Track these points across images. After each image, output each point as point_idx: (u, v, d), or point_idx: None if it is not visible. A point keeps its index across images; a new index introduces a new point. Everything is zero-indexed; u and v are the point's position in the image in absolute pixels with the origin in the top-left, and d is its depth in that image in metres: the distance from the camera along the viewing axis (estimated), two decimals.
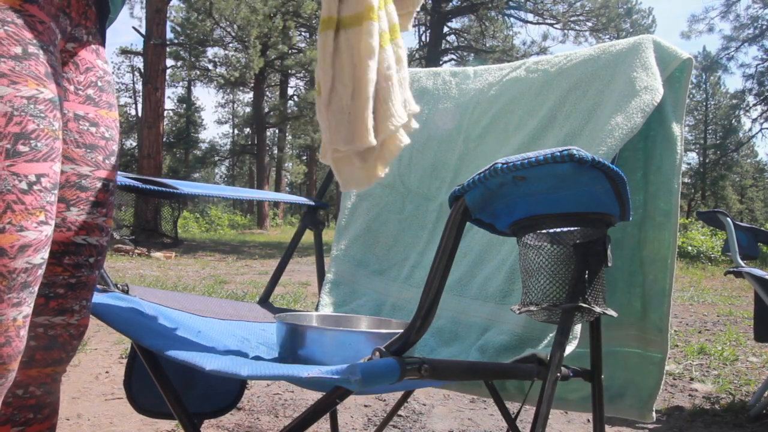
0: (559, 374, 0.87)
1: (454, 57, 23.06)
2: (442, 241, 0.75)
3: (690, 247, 11.05)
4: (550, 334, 1.06)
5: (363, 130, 0.85)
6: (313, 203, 1.59)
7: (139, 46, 19.25)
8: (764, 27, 22.48)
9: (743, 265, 2.46)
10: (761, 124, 26.23)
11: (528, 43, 22.93)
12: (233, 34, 18.66)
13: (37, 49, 0.72)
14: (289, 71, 22.59)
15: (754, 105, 25.94)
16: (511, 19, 22.15)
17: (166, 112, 21.01)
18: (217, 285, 5.87)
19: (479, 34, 22.40)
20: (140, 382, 1.29)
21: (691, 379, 2.84)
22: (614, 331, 1.22)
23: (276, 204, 25.01)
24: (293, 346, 0.96)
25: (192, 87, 31.14)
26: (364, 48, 0.84)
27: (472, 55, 22.25)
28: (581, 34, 21.07)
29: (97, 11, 0.90)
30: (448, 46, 22.63)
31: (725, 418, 2.27)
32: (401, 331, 0.75)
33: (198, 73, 22.58)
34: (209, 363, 0.75)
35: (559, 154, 0.71)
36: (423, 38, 23.46)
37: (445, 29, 22.00)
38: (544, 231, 0.91)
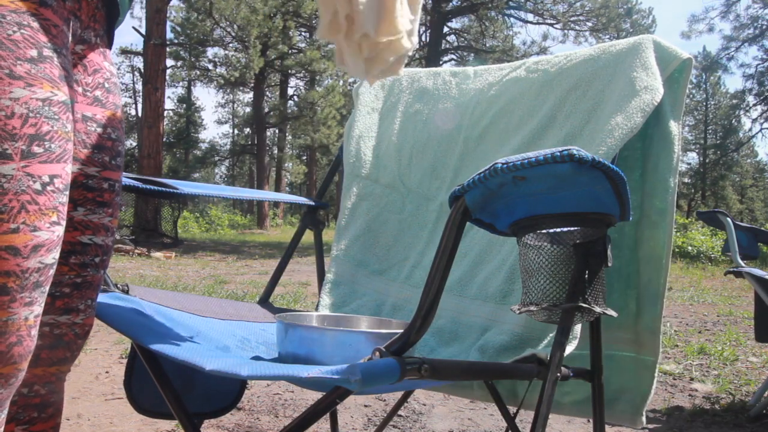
0: (559, 374, 0.87)
1: (454, 57, 23.07)
2: (442, 241, 0.75)
3: (690, 247, 11.05)
4: (550, 334, 1.06)
5: (393, 20, 0.85)
6: (313, 203, 1.59)
7: (139, 46, 19.26)
8: (764, 27, 22.48)
9: (743, 265, 2.46)
10: (761, 124, 26.23)
11: (528, 43, 22.95)
12: (233, 34, 18.67)
13: (51, 52, 0.73)
14: (289, 71, 22.58)
15: (754, 105, 25.94)
16: (511, 19, 22.16)
17: (166, 112, 21.01)
18: (217, 285, 5.87)
19: (479, 34, 22.40)
20: (140, 382, 1.29)
21: (691, 379, 2.84)
22: (610, 334, 1.22)
23: (276, 204, 25.01)
24: (293, 346, 0.96)
25: (192, 87, 31.16)
26: None
27: (472, 55, 22.26)
28: (581, 34, 21.08)
29: (105, 14, 0.91)
30: (448, 46, 22.64)
31: (725, 418, 2.27)
32: (401, 331, 0.75)
33: (198, 73, 22.58)
34: (209, 363, 0.75)
35: (559, 154, 0.71)
36: (423, 38, 23.46)
37: (445, 29, 22.01)
38: (544, 231, 0.91)
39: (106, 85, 0.91)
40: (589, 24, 20.63)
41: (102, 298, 1.09)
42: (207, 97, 67.88)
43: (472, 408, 2.30)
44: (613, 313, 0.90)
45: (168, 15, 14.20)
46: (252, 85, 22.60)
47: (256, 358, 1.02)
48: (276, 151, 28.28)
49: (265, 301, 1.51)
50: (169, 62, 19.72)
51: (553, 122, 1.30)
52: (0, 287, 0.67)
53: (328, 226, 17.20)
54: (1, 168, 0.66)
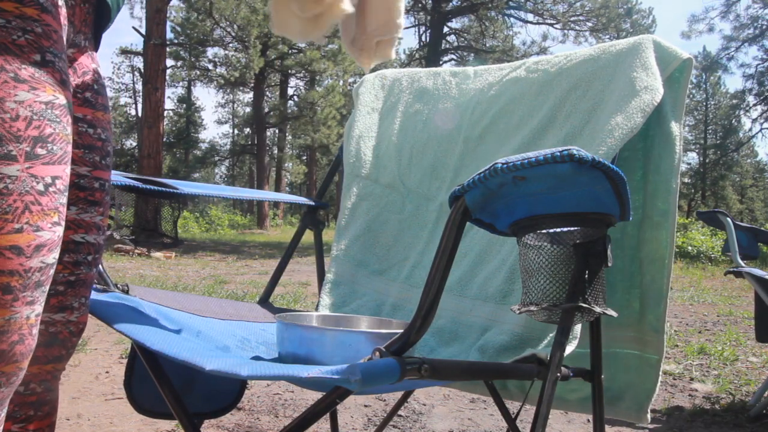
0: (559, 374, 0.87)
1: (454, 57, 23.06)
2: (442, 241, 0.75)
3: (690, 247, 11.05)
4: (550, 334, 1.06)
5: None
6: (313, 203, 1.59)
7: (139, 46, 19.24)
8: (764, 27, 22.47)
9: (743, 265, 2.46)
10: (761, 124, 26.23)
11: (528, 43, 22.96)
12: (233, 34, 18.67)
13: (53, 56, 0.74)
14: (289, 71, 22.58)
15: (754, 105, 25.94)
16: (511, 19, 22.17)
17: (166, 112, 21.02)
18: (217, 285, 5.87)
19: (479, 34, 22.40)
20: (140, 382, 1.29)
21: (691, 379, 2.84)
22: (613, 332, 1.22)
23: (276, 204, 25.01)
24: (293, 346, 0.96)
25: (192, 87, 31.16)
26: None
27: (472, 55, 22.26)
28: (581, 34, 21.08)
29: (94, 18, 0.93)
30: (448, 46, 22.63)
31: (725, 418, 2.27)
32: (401, 331, 0.75)
33: (198, 73, 22.59)
34: (209, 363, 0.75)
35: (559, 154, 0.71)
36: (423, 38, 23.47)
37: (445, 29, 22.00)
38: (544, 231, 0.91)
39: (95, 87, 0.93)
40: (589, 24, 20.63)
41: (102, 298, 1.10)
42: (207, 97, 68.01)
43: (472, 408, 2.30)
44: (613, 313, 0.90)
45: (168, 15, 14.20)
46: (252, 85, 22.60)
47: (256, 358, 1.02)
48: (276, 151, 28.28)
49: (265, 301, 1.51)
50: (169, 62, 19.74)
51: (553, 122, 1.30)
52: (3, 286, 0.68)
53: (328, 226, 17.20)
54: (6, 169, 0.67)
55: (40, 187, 0.70)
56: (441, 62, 21.39)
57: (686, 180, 32.36)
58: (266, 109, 23.86)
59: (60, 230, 0.74)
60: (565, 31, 21.22)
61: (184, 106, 31.44)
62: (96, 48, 0.97)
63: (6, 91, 0.68)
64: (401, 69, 1.72)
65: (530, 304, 0.91)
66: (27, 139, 0.69)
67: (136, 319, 1.01)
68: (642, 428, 2.14)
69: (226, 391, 1.45)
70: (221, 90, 29.93)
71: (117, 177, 1.24)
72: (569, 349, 0.97)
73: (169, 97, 34.49)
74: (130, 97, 31.69)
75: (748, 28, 22.86)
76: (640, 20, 21.68)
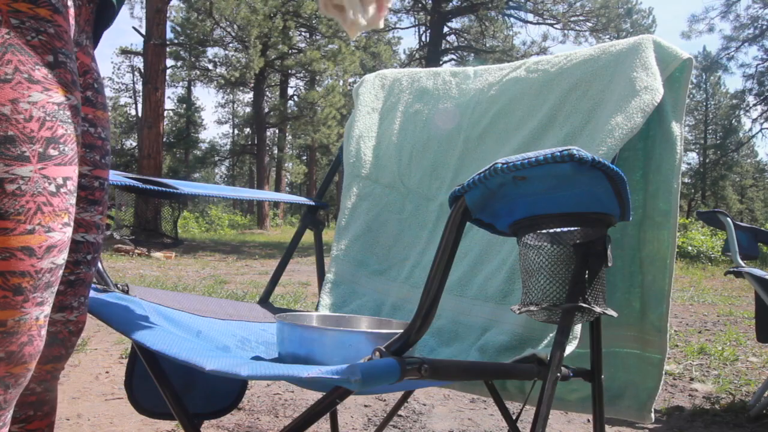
0: (559, 374, 0.87)
1: (454, 57, 23.07)
2: (442, 241, 0.75)
3: (690, 247, 11.05)
4: (550, 334, 1.06)
5: None
6: (313, 203, 1.59)
7: (139, 46, 19.25)
8: (764, 27, 22.47)
9: (743, 265, 2.46)
10: (761, 124, 26.22)
11: (528, 43, 22.97)
12: (233, 34, 18.67)
13: (64, 57, 0.75)
14: (289, 71, 22.59)
15: (754, 105, 25.92)
16: (511, 19, 22.17)
17: (166, 112, 21.00)
18: (217, 285, 5.87)
19: (479, 34, 22.41)
20: (141, 382, 1.29)
21: (691, 379, 2.84)
22: (614, 332, 1.22)
23: (276, 204, 25.02)
24: (293, 346, 0.96)
25: (192, 87, 31.15)
26: None
27: (472, 55, 22.26)
28: (581, 34, 21.09)
29: (95, 17, 0.93)
30: (448, 46, 22.64)
31: (725, 418, 2.27)
32: (401, 331, 0.75)
33: (198, 73, 22.58)
34: (209, 363, 0.75)
35: (559, 154, 0.71)
36: (423, 38, 23.47)
37: (445, 29, 22.01)
38: (544, 231, 0.91)
39: (95, 86, 0.93)
40: (589, 24, 20.64)
41: (102, 298, 1.10)
42: (207, 97, 68.05)
43: (472, 408, 2.30)
44: (613, 313, 0.90)
45: (168, 15, 14.21)
46: (252, 85, 22.61)
47: (256, 358, 1.02)
48: (276, 151, 28.28)
49: (265, 301, 1.51)
50: (169, 62, 19.73)
51: (553, 122, 1.30)
52: (15, 287, 0.68)
53: (328, 226, 17.20)
54: (20, 170, 0.67)
55: (52, 188, 0.70)
56: (441, 62, 21.40)
57: (686, 180, 32.35)
58: (266, 109, 23.86)
59: (69, 231, 0.74)
60: (565, 32, 21.23)
61: (184, 106, 31.44)
62: (95, 46, 0.97)
63: (20, 92, 0.68)
64: (401, 69, 1.72)
65: (530, 304, 0.91)
66: (40, 140, 0.69)
67: (136, 319, 1.01)
68: (642, 428, 2.14)
69: (226, 392, 1.45)
70: (221, 90, 29.94)
71: (117, 177, 1.24)
72: (569, 349, 0.97)
73: (169, 97, 34.51)
74: (130, 97, 31.69)
75: (748, 28, 22.85)
76: (640, 20, 21.68)
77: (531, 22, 21.72)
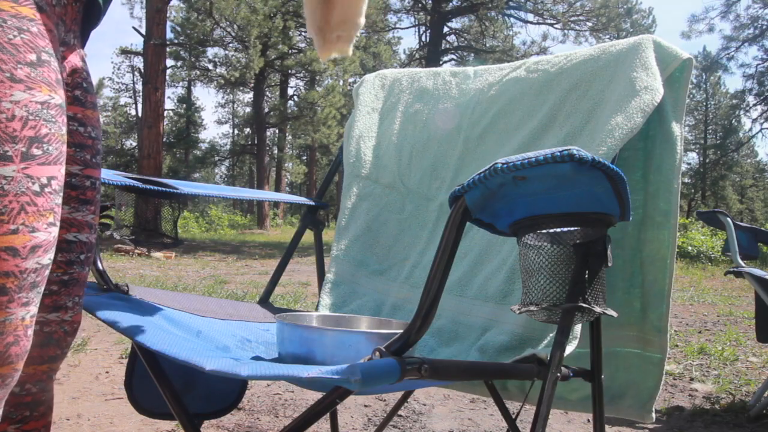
0: (559, 374, 0.87)
1: (454, 57, 23.06)
2: (442, 241, 0.75)
3: (690, 247, 11.05)
4: (550, 334, 1.06)
5: None
6: (313, 203, 1.59)
7: (139, 46, 19.22)
8: (764, 27, 22.47)
9: (743, 265, 2.46)
10: (761, 124, 26.21)
11: (528, 43, 22.94)
12: (233, 34, 18.66)
13: (48, 56, 0.74)
14: (289, 71, 22.58)
15: (754, 105, 25.91)
16: (511, 19, 22.15)
17: (166, 112, 21.01)
18: (217, 285, 5.87)
19: (479, 34, 22.40)
20: (141, 382, 1.29)
21: (691, 379, 2.84)
22: (614, 332, 1.22)
23: (276, 204, 25.01)
24: (293, 346, 0.96)
25: (192, 87, 31.14)
26: None
27: (472, 55, 22.26)
28: (581, 34, 21.07)
29: (83, 17, 0.93)
30: (448, 46, 22.63)
31: (725, 418, 2.27)
32: (401, 331, 0.75)
33: (198, 73, 22.56)
34: (209, 363, 0.75)
35: (559, 154, 0.71)
36: (423, 38, 23.47)
37: (445, 29, 22.00)
38: (544, 231, 0.91)
39: (84, 85, 0.93)
40: (589, 24, 20.62)
41: (102, 298, 1.10)
42: (207, 97, 68.01)
43: (472, 408, 2.30)
44: (613, 313, 0.90)
45: (168, 15, 14.21)
46: (252, 85, 22.60)
47: (256, 358, 1.02)
48: (276, 151, 28.28)
49: (265, 301, 1.51)
50: (169, 62, 19.71)
51: (553, 122, 1.30)
52: None
53: (328, 226, 17.20)
54: (2, 170, 0.67)
55: (36, 187, 0.70)
56: (441, 62, 21.39)
57: (686, 180, 32.34)
58: (266, 109, 23.86)
59: (55, 231, 0.74)
60: (565, 31, 21.21)
61: (184, 106, 31.43)
62: (83, 46, 0.97)
63: (2, 91, 0.68)
64: (401, 69, 1.72)
65: (530, 304, 0.91)
66: (23, 139, 0.69)
67: (136, 319, 1.01)
68: (642, 428, 2.14)
69: (226, 392, 1.45)
70: (221, 90, 29.94)
71: (117, 177, 1.24)
72: (569, 349, 0.97)
73: (169, 97, 34.46)
74: (130, 97, 31.69)
75: (748, 28, 22.84)
76: (640, 20, 21.68)
77: (531, 22, 21.71)
